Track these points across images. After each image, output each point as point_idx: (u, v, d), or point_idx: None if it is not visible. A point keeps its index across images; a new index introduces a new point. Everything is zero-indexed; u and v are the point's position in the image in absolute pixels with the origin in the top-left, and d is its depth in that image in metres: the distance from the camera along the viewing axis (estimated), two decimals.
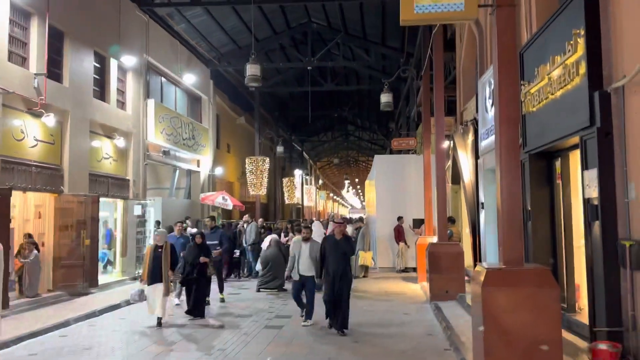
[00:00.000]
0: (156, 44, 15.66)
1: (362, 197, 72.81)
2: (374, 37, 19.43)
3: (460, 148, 12.02)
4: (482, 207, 10.38)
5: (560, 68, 6.11)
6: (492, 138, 9.45)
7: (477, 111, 11.02)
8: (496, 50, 5.45)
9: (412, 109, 17.63)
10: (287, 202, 33.16)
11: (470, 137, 11.38)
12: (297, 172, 38.30)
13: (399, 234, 15.80)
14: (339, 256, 7.87)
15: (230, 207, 17.54)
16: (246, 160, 22.45)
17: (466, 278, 10.85)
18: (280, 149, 24.82)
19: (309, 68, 20.13)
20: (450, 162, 13.80)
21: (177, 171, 18.56)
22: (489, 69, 9.78)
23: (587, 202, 5.65)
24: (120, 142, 13.17)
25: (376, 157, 16.85)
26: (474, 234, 11.09)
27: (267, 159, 22.65)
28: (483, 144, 10.23)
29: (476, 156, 10.95)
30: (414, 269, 15.84)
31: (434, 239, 13.00)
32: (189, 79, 17.45)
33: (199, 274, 9.07)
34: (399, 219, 15.89)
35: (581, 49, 5.62)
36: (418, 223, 16.06)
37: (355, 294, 11.49)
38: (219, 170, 20.72)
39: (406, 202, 16.43)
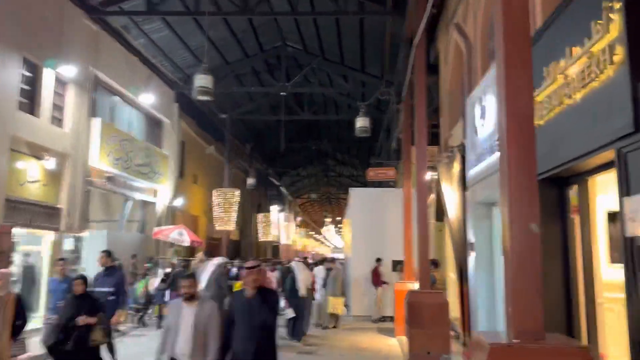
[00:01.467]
0: (108, 59, 13.99)
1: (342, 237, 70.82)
2: (353, 62, 18.08)
3: (444, 179, 10.37)
4: (472, 249, 8.63)
5: (583, 60, 4.50)
6: (484, 164, 7.81)
7: (464, 136, 9.44)
8: (501, 27, 3.76)
9: (392, 137, 16.07)
10: (261, 239, 31.12)
11: (457, 166, 9.74)
12: (274, 208, 36.44)
13: (376, 278, 13.94)
14: (252, 329, 4.62)
15: (186, 243, 15.55)
16: (213, 193, 20.58)
17: (452, 333, 8.98)
18: (251, 180, 23.02)
19: (282, 94, 18.61)
20: (433, 196, 12.13)
21: (129, 201, 16.57)
22: (480, 83, 8.25)
23: (628, 242, 3.92)
24: (50, 163, 11.26)
25: (351, 190, 15.16)
26: (461, 280, 9.29)
27: (237, 192, 20.81)
28: (472, 172, 8.58)
29: (463, 188, 9.28)
30: (392, 318, 13.94)
31: (414, 285, 11.17)
32: (147, 99, 15.74)
33: (77, 344, 5.65)
34: (378, 260, 14.05)
35: (616, 29, 4.01)
36: (398, 265, 14.27)
37: (320, 352, 9.52)
38: (180, 202, 18.77)
39: (385, 241, 14.65)
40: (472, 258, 8.70)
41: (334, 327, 12.68)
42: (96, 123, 13.19)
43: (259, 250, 34.06)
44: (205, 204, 22.74)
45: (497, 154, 7.15)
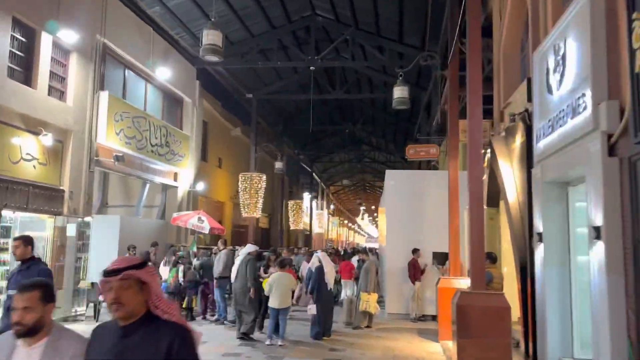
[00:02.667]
0: (118, 27, 12.72)
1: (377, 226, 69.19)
2: (389, 32, 16.28)
3: (501, 156, 8.59)
4: (539, 240, 6.86)
5: None
6: (560, 131, 6.03)
7: (529, 99, 7.64)
8: None
9: (434, 112, 14.18)
10: (292, 227, 29.79)
11: (519, 139, 7.96)
12: (306, 195, 35.07)
13: (414, 271, 12.27)
14: None
15: (206, 231, 14.25)
16: (239, 177, 19.26)
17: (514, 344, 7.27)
18: (279, 164, 21.55)
19: (311, 68, 17.03)
20: (485, 178, 10.34)
21: (147, 185, 15.41)
22: (553, 29, 6.43)
23: None
24: (48, 139, 10.05)
25: (388, 172, 13.47)
26: (523, 278, 7.53)
27: (264, 177, 19.42)
28: (541, 144, 6.80)
29: (528, 165, 7.50)
30: (434, 317, 12.26)
31: (461, 282, 9.48)
32: (164, 74, 14.43)
33: None
34: (415, 251, 12.37)
35: None
36: (441, 258, 12.55)
37: (348, 358, 7.99)
38: (202, 187, 17.51)
39: (424, 230, 12.94)
40: (539, 251, 6.93)
41: (367, 326, 11.12)
42: (103, 97, 11.96)
43: (289, 238, 32.79)
44: (231, 190, 21.50)
45: (583, 115, 5.38)
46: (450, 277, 9.95)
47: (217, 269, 11.04)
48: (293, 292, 10.36)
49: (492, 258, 7.81)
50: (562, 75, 6.07)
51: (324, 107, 25.73)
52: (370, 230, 79.25)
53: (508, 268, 9.15)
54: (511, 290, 7.98)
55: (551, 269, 6.64)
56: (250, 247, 10.41)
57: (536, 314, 7.11)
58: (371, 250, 18.15)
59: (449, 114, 10.19)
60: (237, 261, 9.97)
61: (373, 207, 59.24)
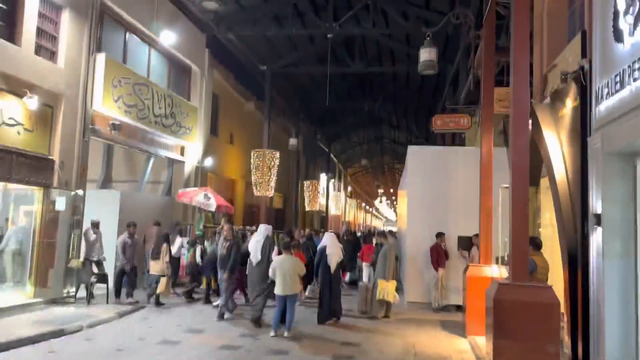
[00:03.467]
0: None
1: (396, 209, 67.92)
2: None
3: (546, 126, 7.34)
4: (596, 223, 5.66)
5: None
6: (635, 87, 4.80)
7: (584, 55, 6.36)
8: None
9: (462, 85, 12.75)
10: (307, 208, 28.74)
11: (570, 103, 6.70)
12: (323, 176, 34.00)
13: (438, 257, 11.13)
14: None
15: (213, 208, 13.27)
16: (252, 154, 18.21)
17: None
18: (293, 141, 20.40)
19: (329, 36, 15.76)
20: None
21: (152, 159, 14.45)
22: None
23: None
24: (33, 102, 9.07)
25: (410, 148, 12.24)
26: (572, 269, 6.34)
27: (277, 154, 18.34)
28: (603, 107, 5.55)
29: (584, 133, 6.25)
30: (458, 308, 11.15)
31: (493, 271, 8.33)
32: (170, 38, 13.33)
33: None
34: (439, 235, 11.22)
35: None
36: (467, 243, 11.38)
37: (362, 357, 6.95)
38: (212, 163, 16.51)
39: (449, 212, 11.76)
40: (595, 237, 5.73)
41: (385, 316, 10.07)
42: (100, 60, 10.94)
43: (304, 220, 31.80)
44: (243, 168, 20.46)
45: None
46: (480, 265, 8.80)
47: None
48: (303, 278, 9.31)
49: (537, 244, 6.62)
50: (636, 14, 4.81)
51: (342, 83, 24.43)
52: (388, 214, 78.07)
53: (550, 256, 7.94)
54: (553, 283, 6.79)
55: (611, 259, 5.44)
56: (264, 229, 9.51)
57: (589, 312, 5.94)
58: (391, 232, 16.94)
59: (483, 80, 8.91)
60: (255, 244, 9.19)
61: (392, 190, 57.94)
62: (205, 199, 13.23)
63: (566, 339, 6.43)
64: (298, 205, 28.62)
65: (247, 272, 9.30)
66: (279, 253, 8.88)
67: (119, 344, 7.15)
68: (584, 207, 6.14)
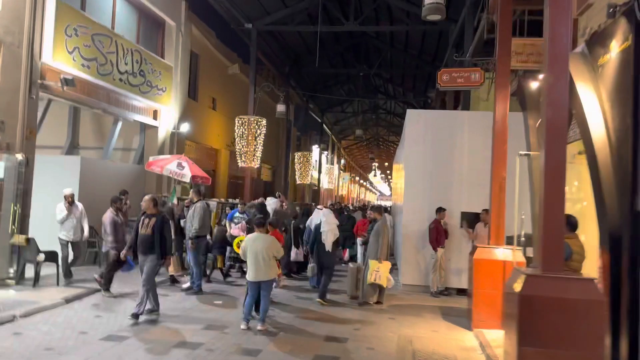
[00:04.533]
0: None
1: (391, 183, 66.77)
2: None
3: (580, 79, 5.92)
4: None
5: None
6: None
7: None
8: None
9: (468, 45, 11.03)
10: (298, 182, 27.37)
11: (616, 47, 5.27)
12: (315, 148, 32.55)
13: (437, 235, 9.83)
14: None
15: (187, 179, 11.82)
16: (236, 121, 16.72)
17: None
18: (281, 107, 18.85)
19: None
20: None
21: (120, 123, 12.96)
22: None
23: None
24: None
25: (409, 112, 10.78)
26: (615, 255, 5.02)
27: (264, 121, 16.85)
28: None
29: (636, 87, 4.85)
30: (460, 291, 9.95)
31: (505, 253, 7.07)
32: None
33: None
34: (439, 211, 9.90)
35: None
36: (470, 219, 10.08)
37: (351, 356, 5.68)
38: (190, 129, 15.00)
39: (451, 185, 10.43)
40: None
41: (377, 302, 8.81)
42: (50, 3, 9.34)
43: (295, 194, 30.48)
44: (228, 136, 19.00)
45: None
46: (491, 246, 7.49)
47: (193, 226, 8.70)
48: (280, 261, 7.97)
49: (572, 224, 5.26)
50: None
51: (335, 47, 22.83)
52: (382, 188, 77.02)
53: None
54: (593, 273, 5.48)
55: None
56: (272, 202, 8.54)
57: (638, 306, 4.66)
58: (386, 209, 15.58)
59: (499, 26, 7.43)
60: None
61: (386, 164, 56.61)
62: (178, 168, 11.78)
63: (606, 340, 5.16)
64: (288, 178, 27.20)
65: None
66: (250, 231, 7.52)
67: (50, 340, 5.83)
68: (636, 178, 4.78)
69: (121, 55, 11.42)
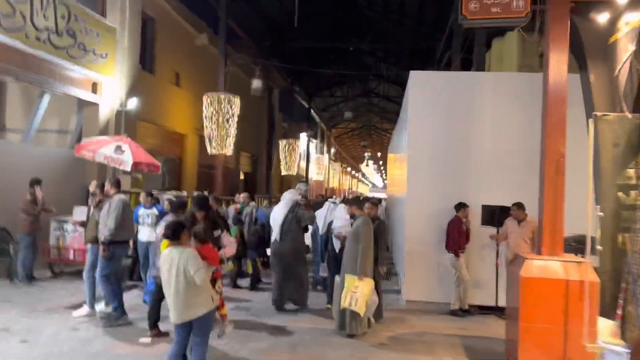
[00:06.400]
0: None
1: (384, 174, 64.44)
2: None
3: None
4: None
5: None
6: None
7: None
8: None
9: None
10: (284, 172, 24.75)
11: None
12: (303, 136, 29.89)
13: (458, 236, 7.33)
14: None
15: (127, 167, 9.14)
16: (203, 100, 14.08)
17: None
18: (257, 82, 16.19)
19: None
20: (623, 76, 5.20)
21: (45, 97, 10.31)
22: None
23: None
24: None
25: (413, 74, 8.19)
26: None
27: (237, 99, 14.24)
28: None
29: None
30: (483, 310, 7.51)
31: (570, 269, 4.57)
32: None
33: None
34: (461, 207, 7.38)
35: None
36: (495, 215, 7.59)
37: None
38: (144, 107, 12.33)
39: (470, 171, 7.91)
40: None
41: (370, 326, 6.30)
42: None
43: (281, 186, 27.86)
44: (197, 119, 16.28)
45: None
46: (545, 257, 4.98)
47: (107, 227, 6.10)
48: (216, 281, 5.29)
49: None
50: None
51: (322, 19, 20.21)
52: (375, 179, 74.65)
53: None
54: None
55: None
56: (291, 195, 7.48)
57: None
58: (379, 201, 12.82)
59: None
60: (278, 213, 7.32)
61: (379, 154, 54.11)
62: (116, 152, 9.12)
63: None
64: (272, 168, 24.61)
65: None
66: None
67: None
68: None
69: (38, 7, 8.75)
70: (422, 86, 8.13)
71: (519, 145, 7.68)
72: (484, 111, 7.86)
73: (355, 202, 6.89)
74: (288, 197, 7.48)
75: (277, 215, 7.32)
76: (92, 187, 6.83)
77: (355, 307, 5.98)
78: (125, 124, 11.64)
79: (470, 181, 7.88)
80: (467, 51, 14.24)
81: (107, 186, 6.30)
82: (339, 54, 24.07)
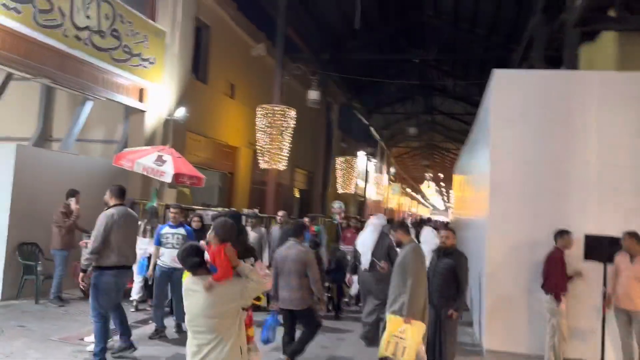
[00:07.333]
0: None
1: (446, 197, 61.94)
2: None
3: None
4: None
5: None
6: None
7: None
8: None
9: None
10: (340, 191, 23.54)
11: None
12: (361, 154, 28.60)
13: (561, 274, 5.79)
14: None
15: (168, 179, 8.27)
16: (257, 112, 13.25)
17: None
18: (314, 94, 15.18)
19: None
20: None
21: (88, 104, 9.70)
22: None
23: None
24: None
25: (497, 73, 6.76)
26: None
27: (293, 112, 13.32)
28: None
29: None
30: None
31: None
32: None
33: None
34: (562, 236, 5.85)
35: None
36: (603, 248, 5.96)
37: None
38: (197, 118, 11.57)
39: (570, 191, 6.37)
40: None
41: None
42: None
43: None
44: (251, 133, 15.48)
45: None
46: None
47: (89, 250, 5.09)
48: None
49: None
50: None
51: (383, 29, 19.08)
52: (435, 201, 71.92)
53: None
54: None
55: None
56: (378, 221, 6.89)
57: None
58: (446, 225, 11.32)
59: None
60: (366, 239, 6.76)
61: (441, 175, 51.81)
62: (156, 163, 8.28)
63: None
64: (328, 186, 23.45)
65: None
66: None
67: None
68: None
69: (79, 4, 8.12)
70: (509, 88, 6.71)
71: (632, 161, 6.12)
72: (586, 118, 6.34)
73: (401, 226, 5.47)
74: (377, 222, 6.88)
75: (367, 241, 6.74)
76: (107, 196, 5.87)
77: (402, 358, 4.62)
78: (173, 134, 10.88)
79: (569, 205, 6.34)
80: (549, 61, 12.62)
81: (107, 195, 5.25)
82: (400, 67, 22.79)
